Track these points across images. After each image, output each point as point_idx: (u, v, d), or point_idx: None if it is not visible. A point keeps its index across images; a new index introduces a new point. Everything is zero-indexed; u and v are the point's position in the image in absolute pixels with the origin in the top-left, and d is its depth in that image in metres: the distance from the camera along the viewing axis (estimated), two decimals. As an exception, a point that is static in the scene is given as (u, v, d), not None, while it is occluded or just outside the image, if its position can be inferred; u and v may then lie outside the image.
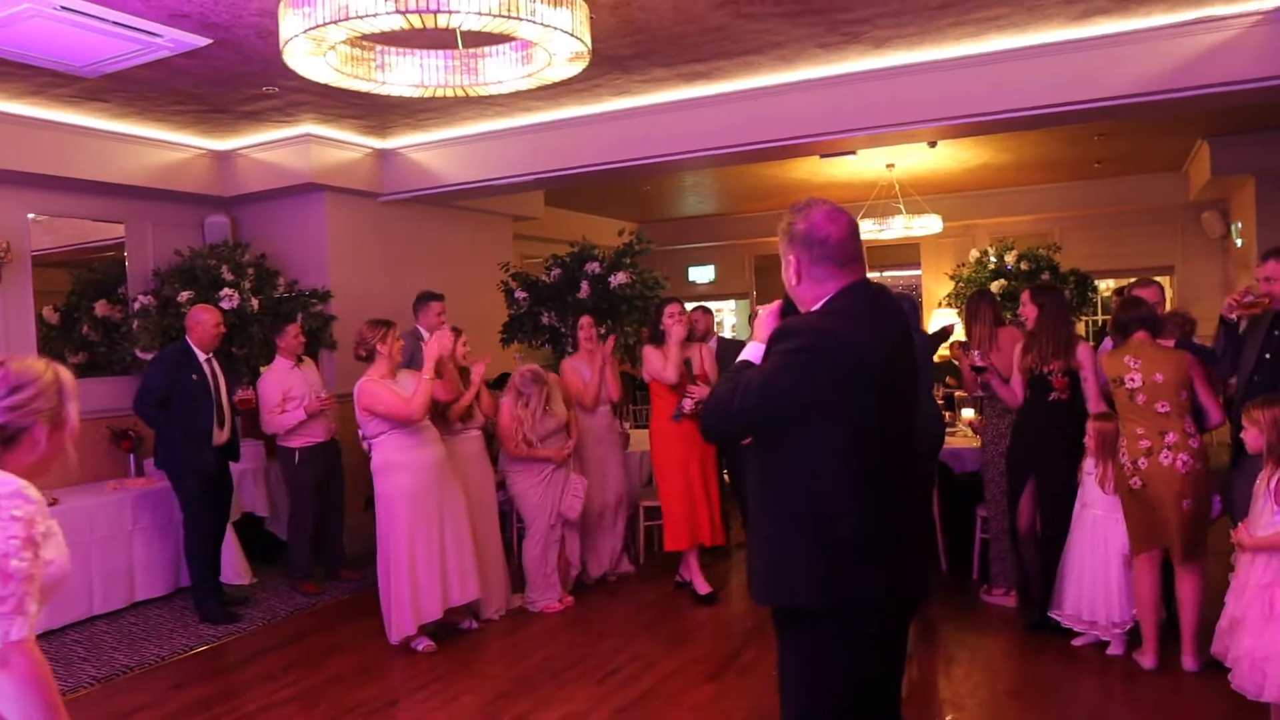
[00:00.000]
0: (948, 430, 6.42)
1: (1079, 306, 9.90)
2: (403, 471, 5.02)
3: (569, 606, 5.73)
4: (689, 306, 6.28)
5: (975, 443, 5.91)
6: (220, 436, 5.78)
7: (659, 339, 5.74)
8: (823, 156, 8.59)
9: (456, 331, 5.56)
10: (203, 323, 5.76)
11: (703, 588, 5.80)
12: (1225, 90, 5.28)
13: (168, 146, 6.91)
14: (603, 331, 6.49)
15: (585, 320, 6.21)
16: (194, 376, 5.67)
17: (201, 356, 5.74)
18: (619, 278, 7.14)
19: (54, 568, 1.87)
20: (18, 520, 1.78)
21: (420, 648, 5.06)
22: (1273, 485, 3.38)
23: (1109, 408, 4.57)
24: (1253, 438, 3.46)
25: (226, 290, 6.59)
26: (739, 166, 8.93)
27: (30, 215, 6.50)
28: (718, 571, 6.29)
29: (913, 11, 4.96)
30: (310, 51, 3.10)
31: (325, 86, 3.95)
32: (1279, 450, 3.39)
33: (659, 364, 5.71)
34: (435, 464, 5.10)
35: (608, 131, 6.69)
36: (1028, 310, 5.06)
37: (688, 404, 5.40)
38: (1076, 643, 4.65)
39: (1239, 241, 9.88)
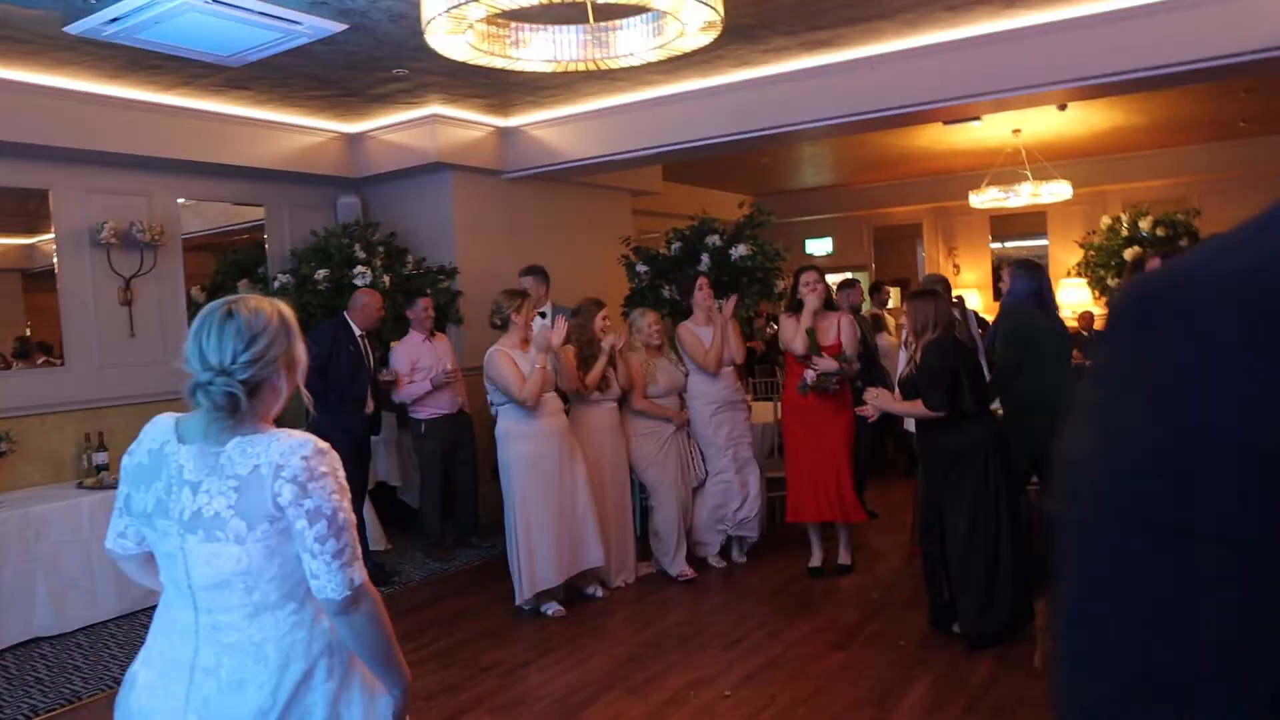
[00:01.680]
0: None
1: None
2: (521, 440, 5.17)
3: (692, 577, 5.77)
4: (835, 278, 6.18)
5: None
6: (368, 407, 6.07)
7: (797, 307, 5.63)
8: (946, 123, 8.39)
9: (598, 304, 5.65)
10: (368, 305, 6.10)
11: (817, 559, 5.80)
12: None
13: (303, 131, 7.20)
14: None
15: (703, 280, 6.08)
16: (350, 348, 5.98)
17: (357, 332, 6.04)
18: (740, 250, 7.14)
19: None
20: (329, 475, 1.87)
21: (550, 612, 5.21)
22: None
23: None
24: None
25: (360, 268, 6.85)
26: (859, 136, 8.78)
27: (180, 200, 6.88)
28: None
29: (1046, -32, 4.79)
30: (450, 30, 3.20)
31: (451, 67, 4.07)
32: None
33: (790, 332, 5.63)
34: (555, 433, 5.22)
35: (728, 103, 6.68)
36: None
37: (810, 375, 5.36)
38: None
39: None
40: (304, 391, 2.02)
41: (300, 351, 1.97)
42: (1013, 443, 4.70)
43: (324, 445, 1.90)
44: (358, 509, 6.08)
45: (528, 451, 5.17)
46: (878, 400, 4.85)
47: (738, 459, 5.97)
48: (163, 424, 1.97)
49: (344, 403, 5.87)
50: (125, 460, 2.00)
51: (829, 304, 5.73)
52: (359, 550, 1.91)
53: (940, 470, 4.63)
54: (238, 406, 1.84)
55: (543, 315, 6.29)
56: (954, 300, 5.91)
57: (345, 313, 6.14)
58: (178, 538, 1.87)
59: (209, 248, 7.50)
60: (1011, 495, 4.54)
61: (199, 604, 1.90)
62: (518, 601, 5.22)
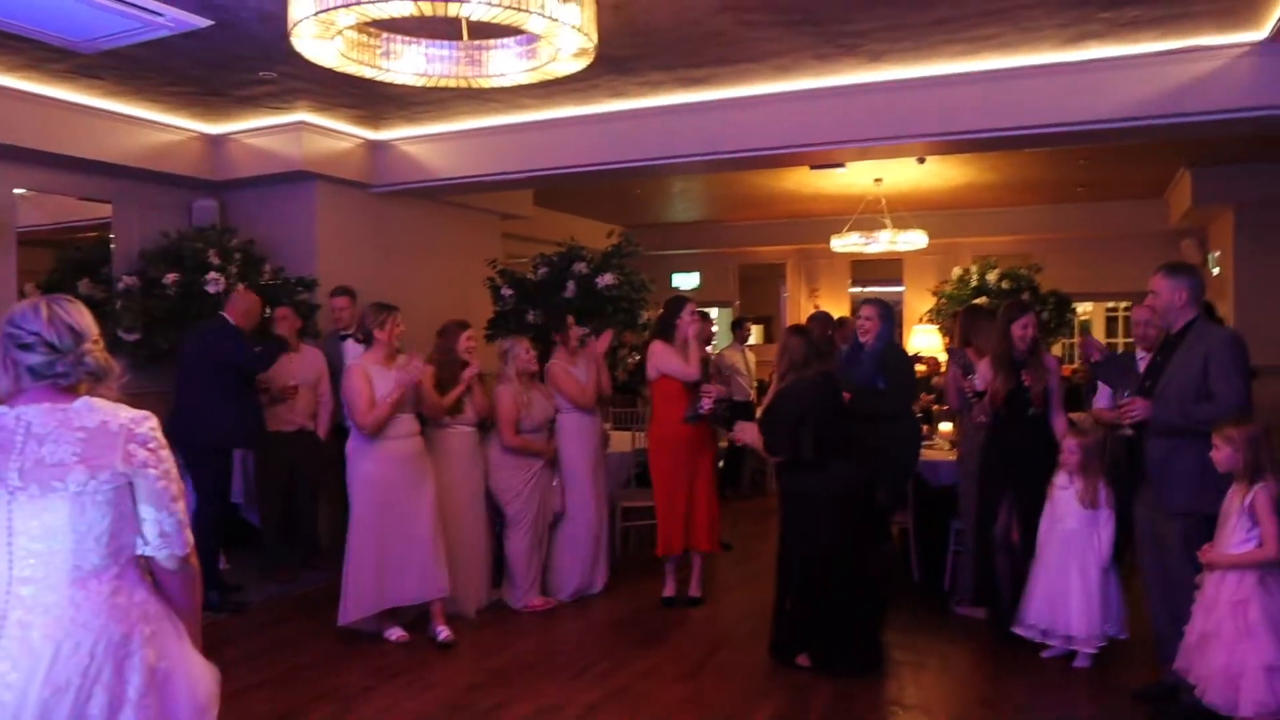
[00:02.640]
0: (925, 444, 6.48)
1: (1057, 328, 10.03)
2: (366, 460, 5.00)
3: (551, 606, 5.68)
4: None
5: (952, 456, 5.97)
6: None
7: (669, 336, 5.62)
8: (812, 168, 8.67)
9: (463, 326, 5.55)
10: (253, 306, 5.89)
11: (695, 591, 5.82)
12: (1211, 119, 5.40)
13: (160, 128, 6.88)
14: (589, 330, 6.45)
15: (570, 319, 6.10)
16: (249, 347, 5.78)
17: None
18: (606, 279, 7.18)
19: None
20: (167, 446, 2.08)
21: (393, 637, 5.05)
22: (1247, 503, 3.45)
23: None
24: (1225, 456, 3.52)
25: (212, 274, 6.57)
26: (728, 174, 9.01)
27: (17, 190, 6.46)
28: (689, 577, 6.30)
29: (909, 26, 5.03)
30: (318, 35, 3.12)
31: (322, 74, 3.96)
32: (1254, 468, 3.46)
33: (678, 361, 5.55)
34: (404, 457, 5.03)
35: (601, 132, 6.74)
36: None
37: (707, 403, 5.37)
38: (1045, 655, 4.71)
39: (1215, 270, 10.04)
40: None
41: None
42: (880, 481, 4.88)
43: (156, 420, 2.10)
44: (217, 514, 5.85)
45: (371, 473, 4.99)
46: (744, 434, 4.96)
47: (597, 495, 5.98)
48: None
49: (243, 413, 5.74)
50: None
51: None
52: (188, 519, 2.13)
53: (786, 510, 4.78)
54: (109, 371, 2.07)
55: (355, 339, 6.21)
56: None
57: (224, 314, 5.84)
58: (4, 500, 1.95)
59: (48, 243, 7.05)
60: (855, 542, 4.61)
61: (15, 567, 1.96)
62: (340, 621, 4.99)
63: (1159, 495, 4.02)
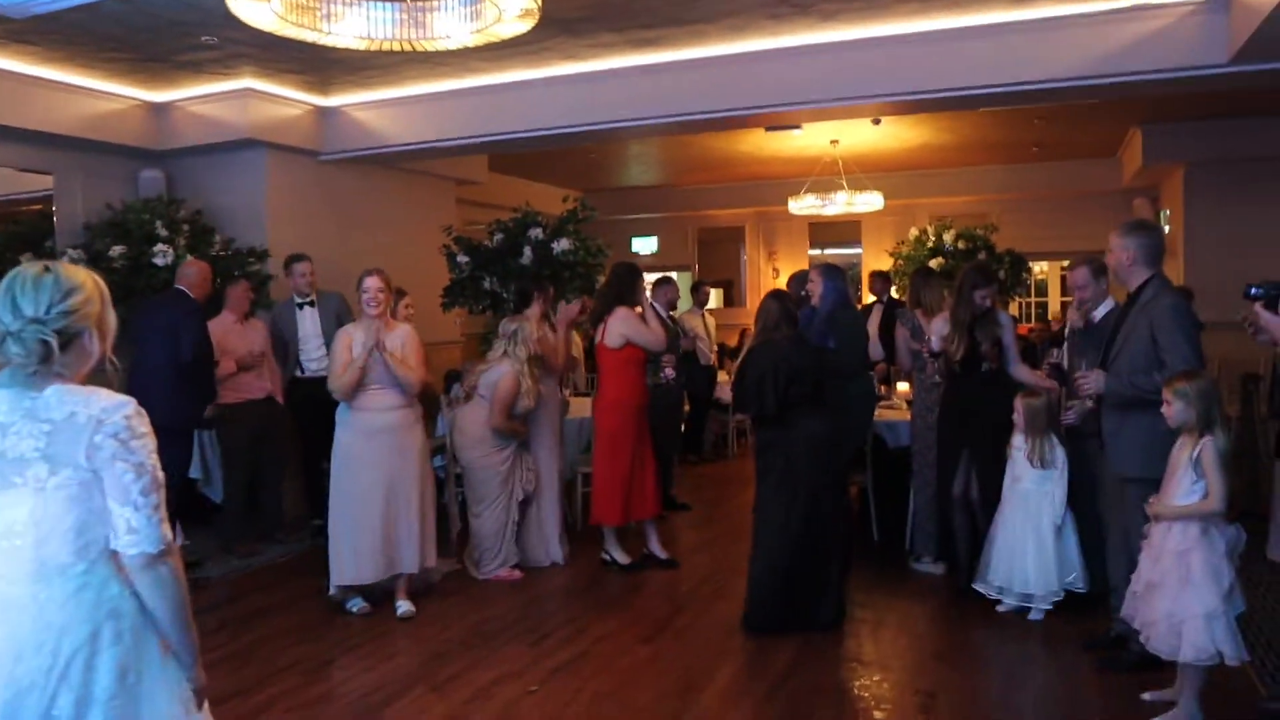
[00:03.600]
0: (882, 403, 6.55)
1: (1013, 287, 10.14)
2: (343, 428, 5.01)
3: (517, 579, 5.62)
4: (651, 277, 6.25)
5: (908, 416, 6.03)
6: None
7: (632, 303, 5.62)
8: (768, 129, 8.65)
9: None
10: (204, 274, 5.80)
11: (663, 553, 5.84)
12: (1158, 78, 5.44)
13: (99, 96, 6.70)
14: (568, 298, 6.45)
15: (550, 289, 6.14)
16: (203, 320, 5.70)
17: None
18: (562, 244, 7.13)
19: None
20: (148, 434, 1.95)
21: (355, 609, 5.04)
22: (1194, 456, 3.51)
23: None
24: (1177, 411, 3.57)
25: (161, 246, 6.44)
26: (684, 137, 8.95)
27: (-47, 162, 6.28)
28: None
29: (861, -15, 5.00)
30: (253, -3, 3.04)
31: (266, 38, 3.87)
32: (1205, 420, 3.52)
33: (647, 330, 5.58)
34: (376, 430, 4.96)
35: (553, 96, 6.66)
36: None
37: (670, 371, 5.40)
38: (1001, 609, 4.80)
39: (1167, 228, 10.17)
40: (113, 359, 2.04)
41: (112, 320, 2.02)
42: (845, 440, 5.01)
43: (140, 407, 1.96)
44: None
45: (345, 441, 4.99)
46: (725, 394, 5.16)
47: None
48: None
49: (202, 391, 5.67)
50: None
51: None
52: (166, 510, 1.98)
53: (758, 465, 4.86)
54: (50, 354, 1.89)
55: (311, 305, 6.40)
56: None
57: (179, 285, 5.73)
58: None
59: (-12, 216, 6.88)
60: (817, 493, 4.67)
61: None
62: (330, 591, 5.05)
63: (1114, 461, 4.09)
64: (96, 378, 2.03)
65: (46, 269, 1.93)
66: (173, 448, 5.47)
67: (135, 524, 1.91)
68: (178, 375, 5.47)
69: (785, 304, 4.90)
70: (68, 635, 1.88)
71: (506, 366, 5.55)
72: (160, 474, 1.97)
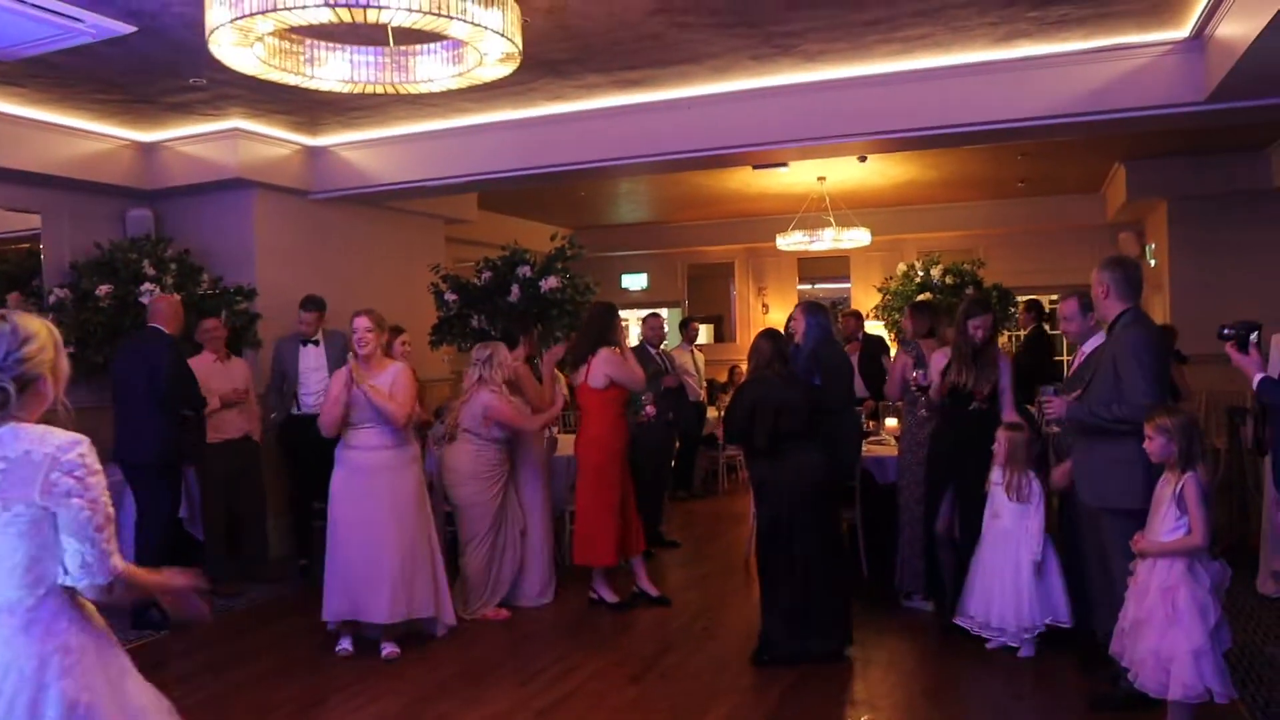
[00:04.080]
0: (871, 439, 6.55)
1: (1000, 322, 10.16)
2: (338, 465, 5.00)
3: (505, 618, 5.58)
4: (631, 314, 6.26)
5: (896, 452, 6.03)
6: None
7: (614, 343, 5.62)
8: (755, 168, 8.71)
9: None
10: (172, 306, 5.74)
11: (654, 590, 5.79)
12: (1136, 115, 5.51)
13: (89, 136, 6.74)
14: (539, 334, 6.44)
15: (535, 328, 6.18)
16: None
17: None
18: (550, 282, 7.15)
19: None
20: (99, 471, 2.02)
21: (337, 649, 4.98)
22: (1176, 492, 3.52)
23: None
24: (1159, 446, 3.58)
25: (147, 285, 6.44)
26: (673, 175, 9.01)
27: (-60, 203, 6.29)
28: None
29: (843, 27, 5.07)
30: (236, 42, 3.07)
31: (254, 80, 3.90)
32: (1186, 457, 3.53)
33: (627, 369, 5.60)
34: (356, 469, 4.94)
35: (541, 136, 6.71)
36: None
37: (651, 410, 5.41)
38: (990, 645, 4.77)
39: (1153, 262, 10.25)
40: (64, 402, 2.12)
41: (65, 365, 2.12)
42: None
43: (91, 445, 2.03)
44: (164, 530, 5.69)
45: (335, 479, 4.99)
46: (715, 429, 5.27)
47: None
48: None
49: (186, 424, 5.63)
50: None
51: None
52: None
53: (755, 498, 4.98)
54: (7, 400, 1.96)
55: (315, 344, 6.46)
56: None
57: (158, 324, 5.66)
58: None
59: (-25, 256, 6.88)
60: (810, 525, 4.72)
61: None
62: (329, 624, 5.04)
63: (1079, 489, 4.12)
64: (49, 418, 2.09)
65: (3, 318, 2.02)
66: (162, 485, 5.47)
67: (89, 558, 1.98)
68: (158, 411, 5.46)
69: (778, 343, 5.00)
70: (13, 670, 1.91)
71: (485, 393, 5.54)
72: (111, 509, 2.04)
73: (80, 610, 2.05)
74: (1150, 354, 3.86)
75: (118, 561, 2.03)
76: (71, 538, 1.96)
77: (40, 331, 2.05)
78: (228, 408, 6.13)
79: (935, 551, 5.24)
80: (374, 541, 4.88)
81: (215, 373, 6.17)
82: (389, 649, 4.95)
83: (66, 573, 1.99)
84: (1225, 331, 3.52)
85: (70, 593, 2.03)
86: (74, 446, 1.98)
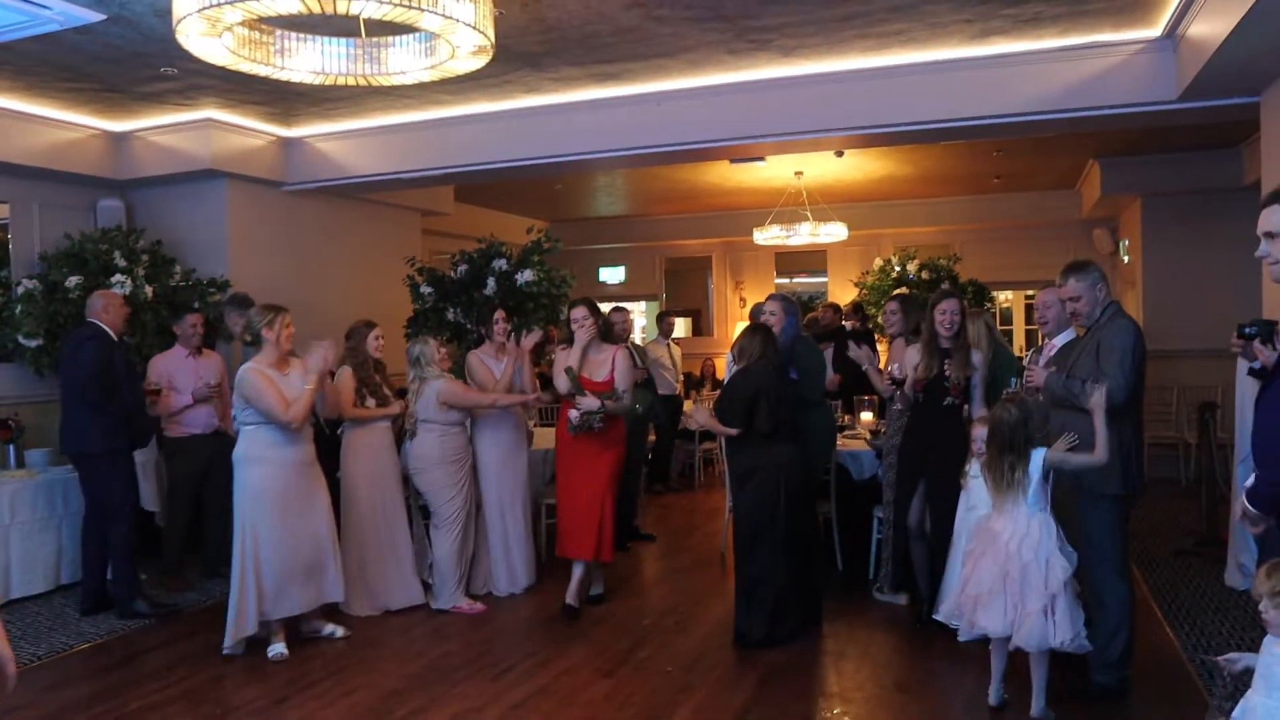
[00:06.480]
0: (846, 433, 6.56)
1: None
2: (262, 464, 4.82)
3: (479, 612, 5.56)
4: (605, 307, 6.17)
5: (868, 446, 6.06)
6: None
7: (571, 340, 5.54)
8: (733, 162, 8.71)
9: (370, 325, 5.50)
10: (111, 303, 5.62)
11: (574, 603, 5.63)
12: (1110, 113, 5.54)
13: (58, 125, 6.65)
14: (516, 324, 6.37)
15: (500, 314, 5.91)
16: (119, 354, 5.55)
17: (114, 338, 5.57)
18: (526, 275, 7.12)
19: None
20: None
21: (270, 655, 4.86)
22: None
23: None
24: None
25: (118, 277, 6.38)
26: (650, 169, 9.00)
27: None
28: (614, 572, 6.30)
29: (818, 22, 5.07)
30: (205, 32, 3.03)
31: (227, 70, 3.86)
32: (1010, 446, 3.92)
33: (560, 368, 5.53)
34: (298, 463, 4.90)
35: (517, 128, 6.68)
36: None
37: (574, 415, 5.30)
38: (962, 639, 4.78)
39: (1126, 258, 10.34)
40: None
41: None
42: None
43: None
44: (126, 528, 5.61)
45: (266, 476, 4.80)
46: (697, 415, 5.61)
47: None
48: None
49: (130, 418, 5.52)
50: None
51: (609, 336, 5.75)
52: None
53: (737, 483, 5.06)
54: None
55: (243, 341, 6.16)
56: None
57: (93, 319, 5.55)
58: None
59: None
60: (798, 510, 4.91)
61: None
62: (226, 643, 4.82)
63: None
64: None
65: None
66: (110, 476, 5.44)
67: None
68: (80, 402, 5.43)
69: (769, 336, 5.13)
70: None
71: (432, 382, 5.53)
72: None
73: None
74: (1134, 354, 3.96)
75: None
76: None
77: None
78: (201, 402, 6.07)
79: (907, 545, 5.26)
80: (330, 526, 5.10)
81: (186, 368, 6.11)
82: (331, 628, 5.15)
83: None
84: (1247, 330, 3.49)
85: None
86: None
